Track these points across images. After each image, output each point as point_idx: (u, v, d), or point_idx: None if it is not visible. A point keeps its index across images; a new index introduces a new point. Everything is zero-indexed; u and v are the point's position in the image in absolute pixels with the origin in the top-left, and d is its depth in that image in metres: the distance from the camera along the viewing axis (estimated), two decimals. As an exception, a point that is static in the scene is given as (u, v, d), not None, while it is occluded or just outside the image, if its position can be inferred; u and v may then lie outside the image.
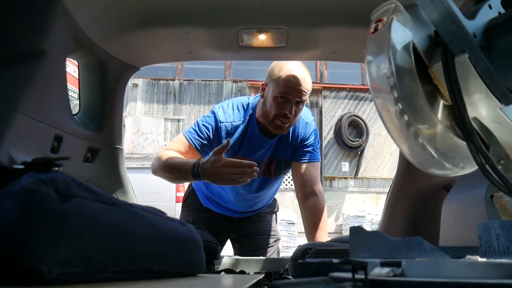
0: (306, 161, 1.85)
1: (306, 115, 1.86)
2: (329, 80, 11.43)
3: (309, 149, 1.85)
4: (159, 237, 0.60)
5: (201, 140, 1.73)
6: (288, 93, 1.64)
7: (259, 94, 1.80)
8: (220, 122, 1.73)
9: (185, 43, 1.67)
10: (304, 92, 1.66)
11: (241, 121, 1.76)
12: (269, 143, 1.80)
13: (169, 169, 1.67)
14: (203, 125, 1.74)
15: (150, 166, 1.79)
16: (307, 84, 1.67)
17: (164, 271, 0.61)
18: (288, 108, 1.65)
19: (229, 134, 1.74)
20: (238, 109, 1.79)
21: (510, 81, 0.60)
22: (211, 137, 1.73)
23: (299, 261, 0.87)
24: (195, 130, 1.75)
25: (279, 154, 1.84)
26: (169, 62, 2.02)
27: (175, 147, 1.74)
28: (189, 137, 1.73)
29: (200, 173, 1.56)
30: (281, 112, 1.65)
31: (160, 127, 11.09)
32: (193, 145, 1.72)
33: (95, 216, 0.47)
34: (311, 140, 1.86)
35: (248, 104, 1.81)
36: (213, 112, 1.77)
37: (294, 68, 1.67)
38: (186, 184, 2.23)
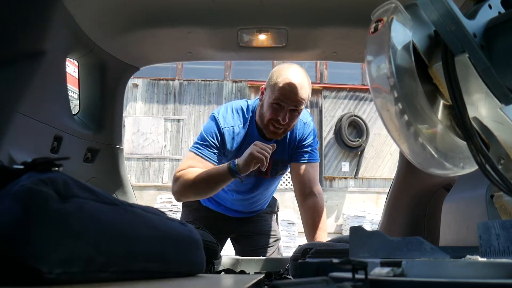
0: (305, 161, 1.84)
1: (304, 115, 1.86)
2: (329, 80, 11.42)
3: (308, 149, 1.85)
4: (159, 237, 0.60)
5: (213, 152, 1.73)
6: (283, 100, 1.63)
7: (258, 97, 1.80)
8: (223, 128, 1.75)
9: (185, 43, 1.67)
10: (299, 100, 1.64)
11: (241, 124, 1.78)
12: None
13: (200, 181, 1.65)
14: (208, 135, 1.75)
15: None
16: (303, 93, 1.64)
17: (164, 271, 0.61)
18: (282, 115, 1.64)
19: (232, 138, 1.76)
20: (237, 113, 1.80)
21: (510, 81, 0.60)
22: (218, 144, 1.74)
23: (299, 261, 0.87)
24: (203, 144, 1.74)
25: (276, 155, 1.84)
26: (169, 62, 2.02)
27: (190, 165, 1.73)
28: (201, 153, 1.73)
29: (237, 160, 1.58)
30: (275, 118, 1.66)
31: (160, 127, 11.08)
32: (209, 160, 1.72)
33: (95, 216, 0.47)
34: (309, 140, 1.85)
35: (247, 107, 1.81)
36: (214, 119, 1.78)
37: (293, 75, 1.64)
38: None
